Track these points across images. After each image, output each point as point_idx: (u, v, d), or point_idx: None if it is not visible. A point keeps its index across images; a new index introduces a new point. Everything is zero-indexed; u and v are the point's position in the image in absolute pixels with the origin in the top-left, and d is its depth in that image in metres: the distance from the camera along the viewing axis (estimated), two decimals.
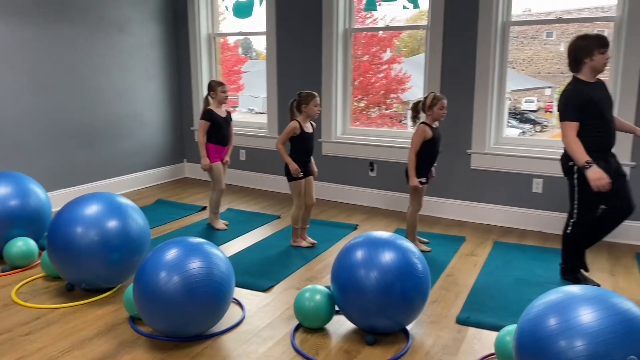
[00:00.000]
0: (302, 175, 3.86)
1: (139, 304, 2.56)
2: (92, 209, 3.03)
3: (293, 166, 3.78)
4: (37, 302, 3.03)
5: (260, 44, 6.76)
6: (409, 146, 3.79)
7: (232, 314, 2.89)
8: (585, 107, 3.06)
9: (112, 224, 3.01)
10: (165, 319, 2.52)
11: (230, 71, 6.74)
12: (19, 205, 3.57)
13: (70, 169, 5.07)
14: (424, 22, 4.91)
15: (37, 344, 2.59)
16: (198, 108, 6.17)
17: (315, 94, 3.84)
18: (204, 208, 5.03)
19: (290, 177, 3.87)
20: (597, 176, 2.95)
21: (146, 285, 2.50)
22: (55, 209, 3.96)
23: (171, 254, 2.56)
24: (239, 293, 3.14)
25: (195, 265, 2.53)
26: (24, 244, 3.48)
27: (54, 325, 2.78)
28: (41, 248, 3.69)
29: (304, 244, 4.01)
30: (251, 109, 6.88)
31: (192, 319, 2.54)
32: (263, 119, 5.90)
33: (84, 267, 2.97)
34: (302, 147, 3.87)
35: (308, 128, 3.87)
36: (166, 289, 2.46)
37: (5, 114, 4.48)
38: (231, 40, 6.70)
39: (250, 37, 6.76)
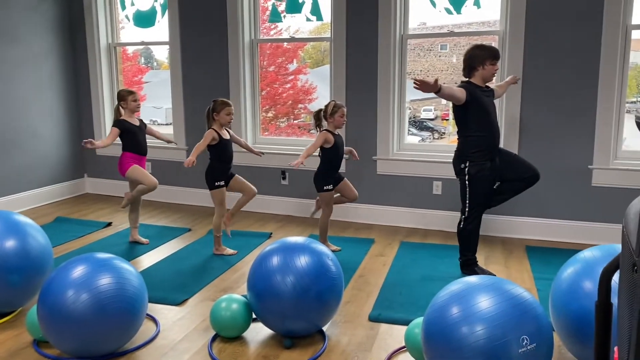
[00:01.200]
0: (222, 184, 3.90)
1: (44, 325, 2.44)
2: None
3: (190, 159, 3.71)
4: None
5: (162, 53, 6.63)
6: (317, 154, 3.96)
7: (145, 330, 2.82)
8: (471, 103, 3.35)
9: (9, 243, 2.84)
10: (75, 339, 2.42)
11: (131, 82, 6.55)
12: None
13: None
14: (328, 35, 5.08)
15: None
16: (99, 120, 5.93)
17: (229, 102, 3.88)
18: (109, 224, 4.84)
19: (212, 186, 3.89)
20: None
21: (52, 305, 2.39)
22: None
23: (78, 270, 2.47)
24: (152, 308, 3.07)
25: (105, 281, 2.45)
26: None
27: None
28: None
29: (227, 251, 4.02)
30: (154, 121, 6.71)
31: (104, 336, 2.46)
32: (168, 130, 5.78)
33: None
34: (222, 154, 3.91)
35: (225, 135, 3.92)
36: (74, 308, 2.36)
37: None
38: (130, 50, 6.51)
39: (152, 47, 6.61)
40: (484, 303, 2.03)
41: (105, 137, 4.22)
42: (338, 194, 4.15)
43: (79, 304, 2.37)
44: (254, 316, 2.80)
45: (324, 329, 2.83)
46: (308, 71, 5.79)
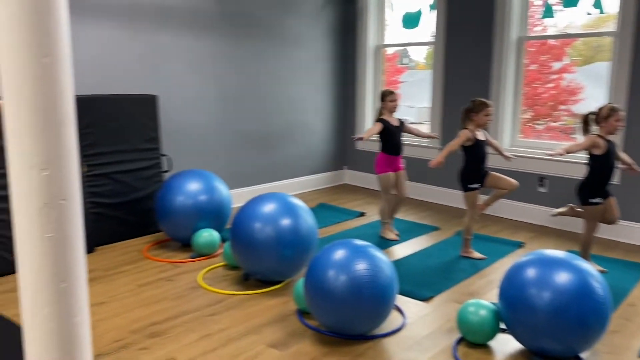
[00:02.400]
0: (476, 186, 3.82)
1: (308, 298, 2.73)
2: (269, 207, 3.31)
3: (438, 160, 3.71)
4: (218, 287, 3.38)
5: (418, 53, 6.77)
6: (585, 161, 3.55)
7: (392, 320, 2.94)
8: None
9: (285, 222, 3.25)
10: (332, 315, 2.66)
11: (389, 82, 6.85)
12: (206, 200, 4.01)
13: (247, 170, 5.56)
14: (608, 29, 4.52)
15: (219, 325, 2.90)
16: (362, 118, 6.37)
17: (489, 103, 3.77)
18: (363, 214, 5.17)
19: (466, 188, 3.84)
20: None
21: (316, 281, 2.67)
22: (235, 204, 4.37)
23: (339, 253, 2.70)
24: (399, 300, 3.19)
25: (361, 266, 2.63)
26: (209, 235, 3.90)
27: (233, 310, 3.08)
28: (223, 239, 4.10)
29: (475, 255, 3.94)
30: (405, 119, 6.90)
31: (357, 318, 2.64)
32: (420, 129, 5.87)
33: (260, 260, 3.25)
34: (476, 156, 3.83)
35: (480, 136, 3.82)
36: (334, 287, 2.59)
37: (198, 120, 5.07)
38: (390, 51, 6.81)
39: (408, 48, 6.80)
40: None
41: (368, 130, 4.45)
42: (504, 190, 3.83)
43: (338, 284, 2.59)
44: (502, 326, 2.68)
45: (583, 356, 2.55)
46: (575, 70, 5.25)
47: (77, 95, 3.96)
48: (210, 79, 5.13)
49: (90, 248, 3.97)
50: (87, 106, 3.99)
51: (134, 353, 2.60)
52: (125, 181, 4.24)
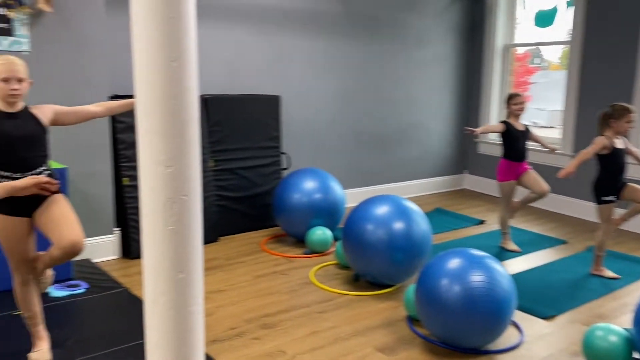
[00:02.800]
0: (612, 198, 3.48)
1: (419, 305, 2.67)
2: (382, 209, 3.28)
3: (568, 170, 3.44)
4: (329, 285, 3.42)
5: (552, 53, 6.31)
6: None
7: (508, 336, 2.77)
8: None
9: (398, 225, 3.21)
10: (443, 325, 2.57)
11: (518, 82, 6.48)
12: (321, 198, 4.08)
13: (362, 170, 5.58)
14: None
15: (328, 322, 2.93)
16: (486, 121, 6.09)
17: (632, 108, 3.42)
18: (482, 222, 4.94)
19: (599, 200, 3.52)
20: None
21: (428, 289, 2.59)
22: (348, 204, 4.40)
23: (454, 262, 2.60)
24: (517, 315, 3.00)
25: (477, 278, 2.51)
26: (322, 233, 3.97)
27: (342, 309, 3.10)
28: (335, 238, 4.16)
29: (607, 274, 3.61)
30: (535, 122, 6.48)
31: (470, 331, 2.53)
32: (550, 133, 5.49)
33: (371, 262, 3.24)
34: (613, 165, 3.48)
35: (618, 144, 3.47)
36: (447, 297, 2.50)
37: (316, 119, 5.19)
38: (521, 50, 6.43)
39: (541, 47, 6.36)
40: None
41: (487, 125, 4.22)
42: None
43: (451, 294, 2.50)
44: (635, 355, 2.41)
45: None
46: None
47: (209, 95, 4.24)
48: (329, 79, 5.21)
49: (214, 237, 4.23)
50: (217, 105, 4.25)
51: (247, 342, 2.72)
52: (248, 177, 4.45)
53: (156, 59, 1.02)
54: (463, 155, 6.39)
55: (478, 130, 4.07)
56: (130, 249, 3.83)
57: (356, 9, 5.21)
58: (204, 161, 4.12)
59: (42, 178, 1.87)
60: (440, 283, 2.54)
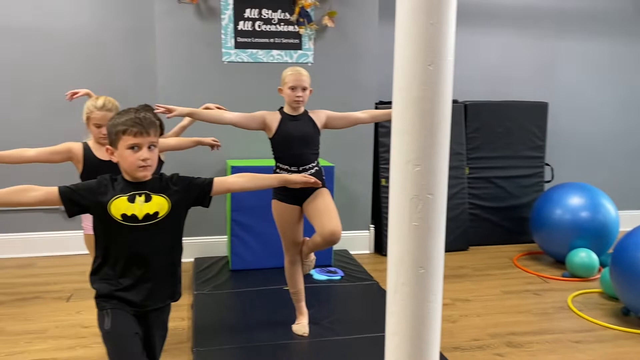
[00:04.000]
0: None
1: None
2: None
3: None
4: (590, 315, 3.05)
5: None
6: None
7: None
8: None
9: None
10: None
11: None
12: (588, 217, 3.67)
13: None
14: None
15: (584, 355, 2.62)
16: None
17: None
18: None
19: None
20: None
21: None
22: (623, 228, 3.85)
23: None
24: None
25: None
26: (586, 256, 3.56)
27: (604, 344, 2.74)
28: (602, 264, 3.68)
29: None
30: None
31: None
32: None
33: None
34: None
35: None
36: None
37: (590, 130, 4.67)
38: None
39: None
40: None
41: None
42: None
43: None
44: None
45: None
46: None
47: (468, 102, 4.21)
48: (610, 85, 4.64)
49: (465, 246, 4.17)
50: (476, 111, 4.18)
51: (490, 356, 2.61)
52: (505, 187, 4.27)
53: (414, 62, 1.07)
54: None
55: None
56: (382, 245, 4.05)
57: None
58: (460, 167, 4.11)
59: (310, 179, 2.12)
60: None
